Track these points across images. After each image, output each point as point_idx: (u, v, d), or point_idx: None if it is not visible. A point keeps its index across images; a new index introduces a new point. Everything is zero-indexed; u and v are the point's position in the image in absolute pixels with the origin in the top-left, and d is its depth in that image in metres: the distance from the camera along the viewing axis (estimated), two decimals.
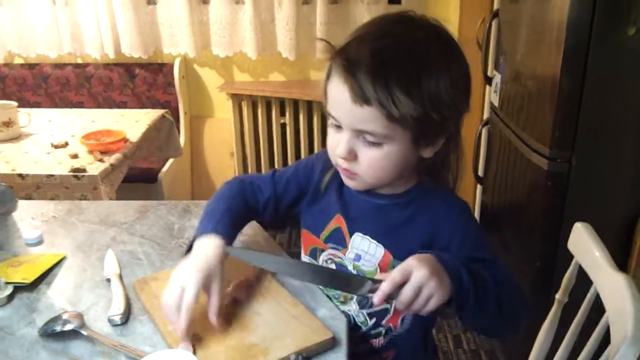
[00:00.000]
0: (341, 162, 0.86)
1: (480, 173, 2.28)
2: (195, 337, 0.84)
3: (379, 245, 0.92)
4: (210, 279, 0.85)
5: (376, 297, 0.75)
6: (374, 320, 0.97)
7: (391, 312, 0.95)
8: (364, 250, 0.93)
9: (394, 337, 0.97)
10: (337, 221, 0.96)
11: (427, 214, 0.91)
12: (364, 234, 0.93)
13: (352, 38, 0.83)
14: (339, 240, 0.96)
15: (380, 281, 0.75)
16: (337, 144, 0.85)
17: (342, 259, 0.96)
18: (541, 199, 1.67)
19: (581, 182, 1.58)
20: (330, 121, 0.87)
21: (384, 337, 0.98)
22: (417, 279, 0.74)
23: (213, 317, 0.85)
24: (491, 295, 0.81)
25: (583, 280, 1.08)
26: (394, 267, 0.77)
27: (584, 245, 1.07)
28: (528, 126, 1.73)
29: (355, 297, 0.96)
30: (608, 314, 0.96)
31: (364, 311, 0.96)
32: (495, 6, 2.19)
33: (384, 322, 0.96)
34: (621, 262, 1.61)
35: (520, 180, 1.81)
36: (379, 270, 0.92)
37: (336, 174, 0.95)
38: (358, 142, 0.84)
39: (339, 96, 0.81)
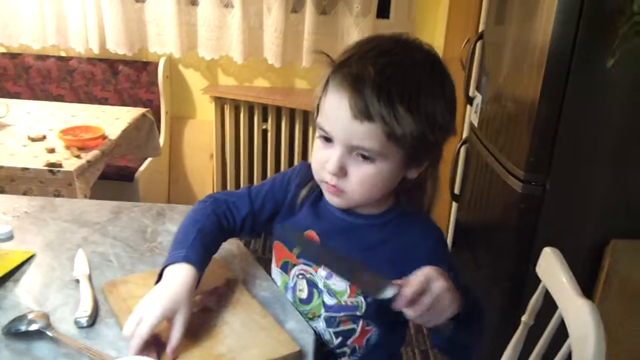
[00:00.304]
0: (329, 178, 0.85)
1: (457, 191, 2.30)
2: (161, 344, 0.82)
3: None
4: (175, 311, 0.81)
5: (398, 302, 0.74)
6: (339, 339, 0.96)
7: (357, 332, 0.95)
8: None
9: (359, 358, 0.97)
10: (308, 237, 0.95)
11: (401, 239, 0.91)
12: None
13: (351, 53, 0.82)
14: None
15: (397, 286, 0.75)
16: (326, 159, 0.84)
17: (313, 275, 0.96)
18: (514, 220, 1.69)
19: (554, 205, 1.61)
20: (318, 134, 0.86)
21: (348, 356, 0.97)
22: (437, 290, 0.74)
23: (170, 351, 0.80)
24: (477, 317, 0.83)
25: (550, 304, 1.10)
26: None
27: (551, 270, 1.09)
28: (505, 148, 1.75)
29: (322, 315, 0.95)
30: (571, 338, 0.98)
31: (331, 330, 0.95)
32: (481, 28, 2.22)
33: (349, 342, 0.96)
34: (589, 285, 1.64)
35: (495, 201, 1.84)
36: (349, 290, 0.92)
37: (312, 190, 0.95)
38: (350, 159, 0.83)
39: (337, 111, 0.80)
